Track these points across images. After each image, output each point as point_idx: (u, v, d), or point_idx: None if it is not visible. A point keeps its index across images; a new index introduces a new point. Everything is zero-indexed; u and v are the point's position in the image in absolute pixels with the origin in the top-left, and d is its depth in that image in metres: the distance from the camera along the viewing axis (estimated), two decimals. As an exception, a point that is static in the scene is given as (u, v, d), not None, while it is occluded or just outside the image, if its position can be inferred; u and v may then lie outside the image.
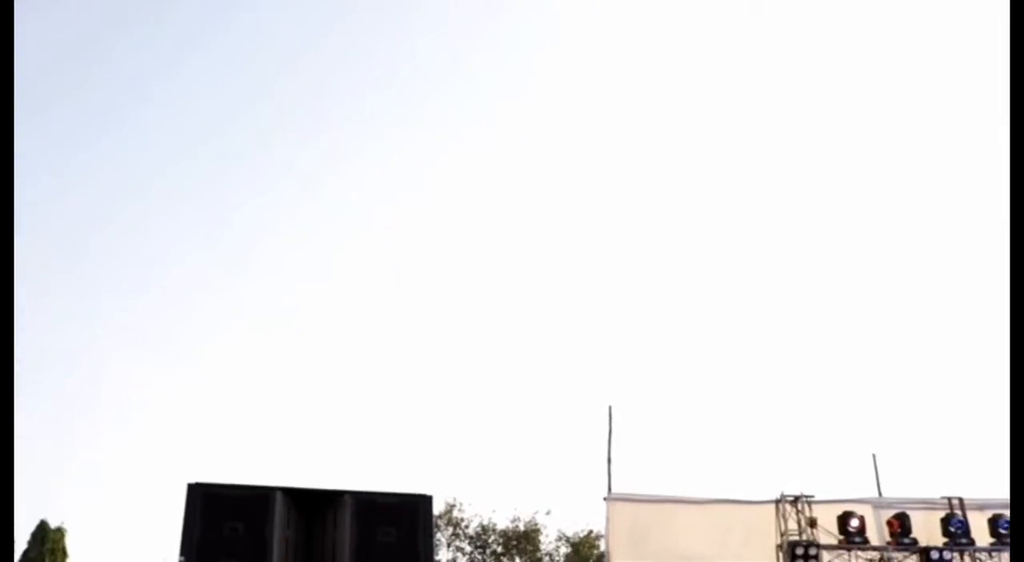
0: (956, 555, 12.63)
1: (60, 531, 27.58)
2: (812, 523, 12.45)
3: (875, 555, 12.62)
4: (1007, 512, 13.05)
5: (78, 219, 45.92)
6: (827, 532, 12.53)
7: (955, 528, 12.79)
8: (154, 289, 46.37)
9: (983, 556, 12.85)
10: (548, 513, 27.00)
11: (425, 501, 5.18)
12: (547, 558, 24.88)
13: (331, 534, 5.10)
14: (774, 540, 12.42)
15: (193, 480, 5.05)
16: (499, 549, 24.99)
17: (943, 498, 13.24)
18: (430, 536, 5.16)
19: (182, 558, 4.90)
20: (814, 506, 12.61)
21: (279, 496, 5.07)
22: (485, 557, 25.02)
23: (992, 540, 12.89)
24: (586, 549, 24.30)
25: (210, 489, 5.05)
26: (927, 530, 12.82)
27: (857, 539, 12.51)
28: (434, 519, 24.27)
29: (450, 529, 24.86)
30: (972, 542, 12.79)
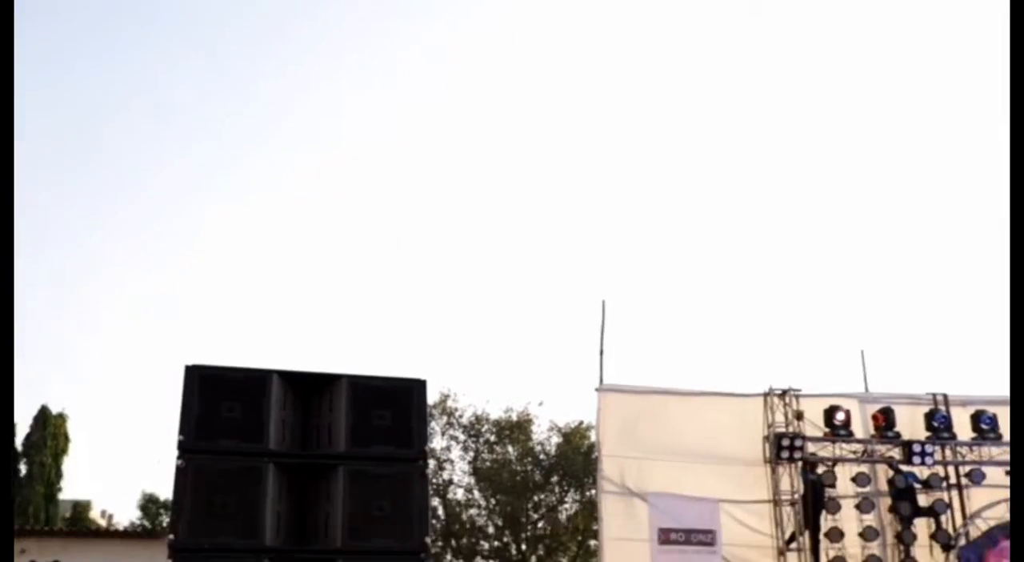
0: (937, 449, 12.92)
1: (62, 417, 28.06)
2: (799, 416, 12.70)
3: (859, 448, 12.91)
4: (989, 408, 13.33)
5: (87, 108, 45.40)
6: (813, 425, 12.79)
7: (938, 423, 13.05)
8: (154, 175, 46.08)
9: (964, 450, 13.14)
10: (541, 404, 27.49)
11: (419, 385, 5.27)
12: (539, 447, 25.40)
13: (327, 416, 5.20)
14: (761, 432, 12.68)
15: (190, 363, 5.14)
16: (492, 438, 25.50)
17: (928, 394, 13.48)
18: (424, 419, 5.25)
19: (181, 438, 5.01)
20: (801, 400, 12.84)
21: (276, 378, 5.15)
22: (478, 446, 25.56)
23: (973, 435, 13.17)
24: (577, 439, 24.81)
25: (207, 371, 5.13)
26: (911, 424, 13.09)
27: (842, 432, 12.78)
28: (429, 408, 24.75)
29: (444, 418, 25.34)
30: (954, 436, 13.07)
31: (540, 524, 25.49)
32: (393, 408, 5.16)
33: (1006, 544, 12.87)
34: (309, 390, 5.16)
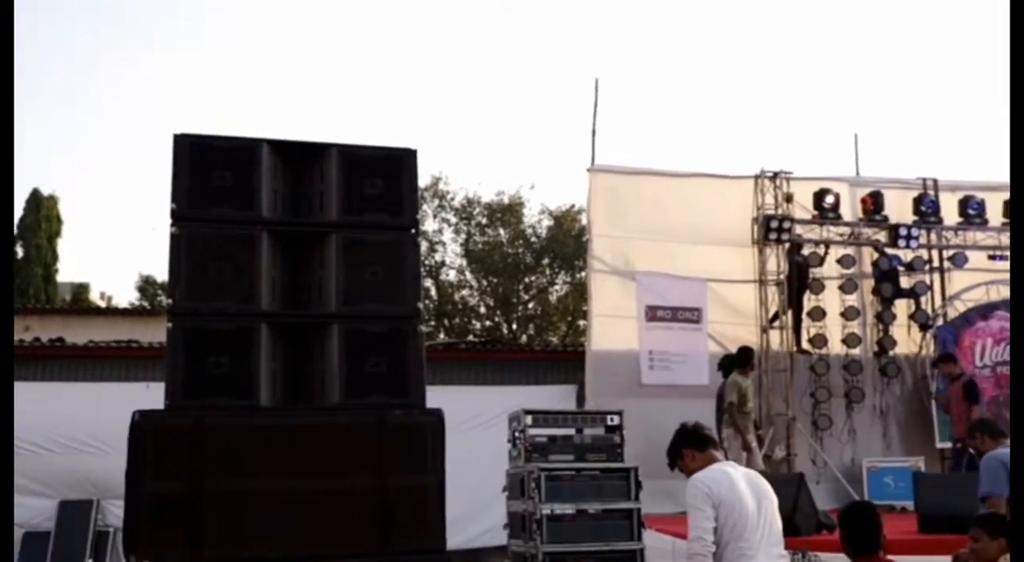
0: (923, 232, 13.08)
1: (53, 199, 28.07)
2: (788, 198, 12.76)
3: (846, 230, 13.05)
4: (978, 194, 13.40)
5: None
6: (802, 207, 12.88)
7: (926, 207, 13.15)
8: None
9: (949, 234, 13.31)
10: (532, 187, 27.51)
11: (410, 155, 5.23)
12: (530, 230, 25.64)
13: (318, 186, 5.20)
14: (750, 214, 12.78)
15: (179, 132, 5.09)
16: (483, 221, 25.68)
17: (918, 179, 13.52)
18: (415, 189, 5.24)
19: (173, 206, 5.01)
20: (792, 182, 12.87)
21: (266, 147, 5.11)
22: (470, 228, 25.77)
23: (960, 219, 13.30)
24: (568, 222, 25.00)
25: (196, 140, 5.08)
26: (899, 208, 13.19)
27: (830, 215, 12.88)
28: (420, 191, 24.76)
29: (436, 201, 25.42)
30: (940, 221, 13.20)
31: (531, 305, 26.07)
32: (384, 177, 5.14)
33: (982, 324, 13.26)
34: (299, 160, 5.13)
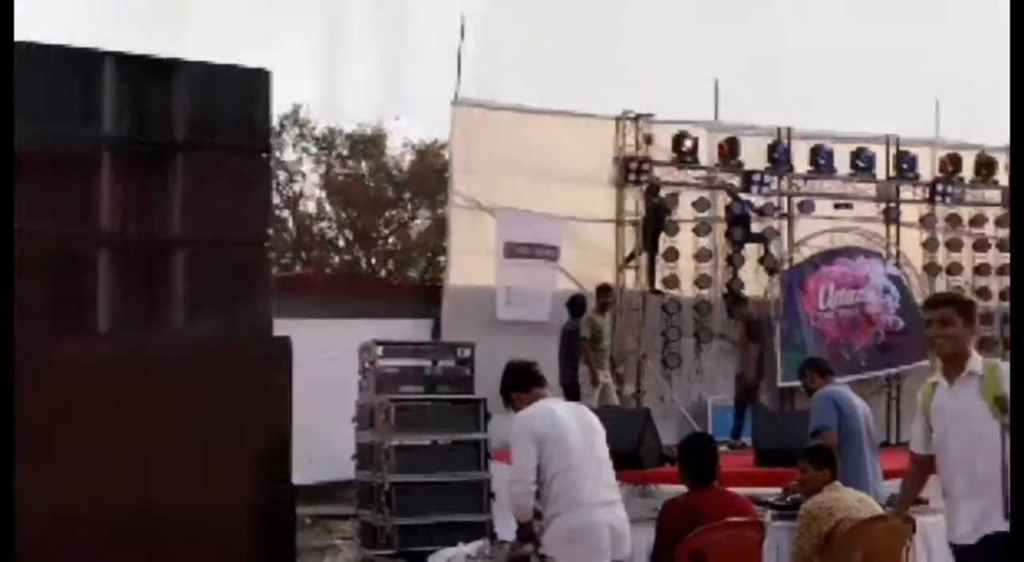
0: (775, 179, 13.50)
1: None
2: (648, 140, 12.97)
3: (702, 174, 13.36)
4: (828, 143, 13.88)
5: None
6: (661, 150, 13.10)
7: (779, 155, 13.56)
8: None
9: (799, 181, 13.79)
10: (397, 119, 27.08)
11: (264, 76, 5.05)
12: (392, 163, 25.34)
13: (165, 104, 4.98)
14: (611, 154, 12.94)
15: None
16: (345, 152, 25.25)
17: (772, 126, 13.90)
18: (268, 112, 5.06)
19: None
20: (652, 125, 13.06)
21: (109, 61, 4.85)
22: (331, 159, 25.31)
23: (811, 168, 13.78)
24: (431, 157, 24.79)
25: (34, 48, 4.80)
26: (754, 155, 13.56)
27: (688, 159, 13.15)
28: (280, 120, 24.02)
29: (296, 130, 24.84)
30: (792, 169, 13.65)
31: (391, 240, 25.89)
32: (237, 98, 4.96)
33: (825, 269, 13.81)
34: (146, 76, 4.90)
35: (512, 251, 12.50)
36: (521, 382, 5.34)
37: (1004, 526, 4.26)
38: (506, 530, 6.67)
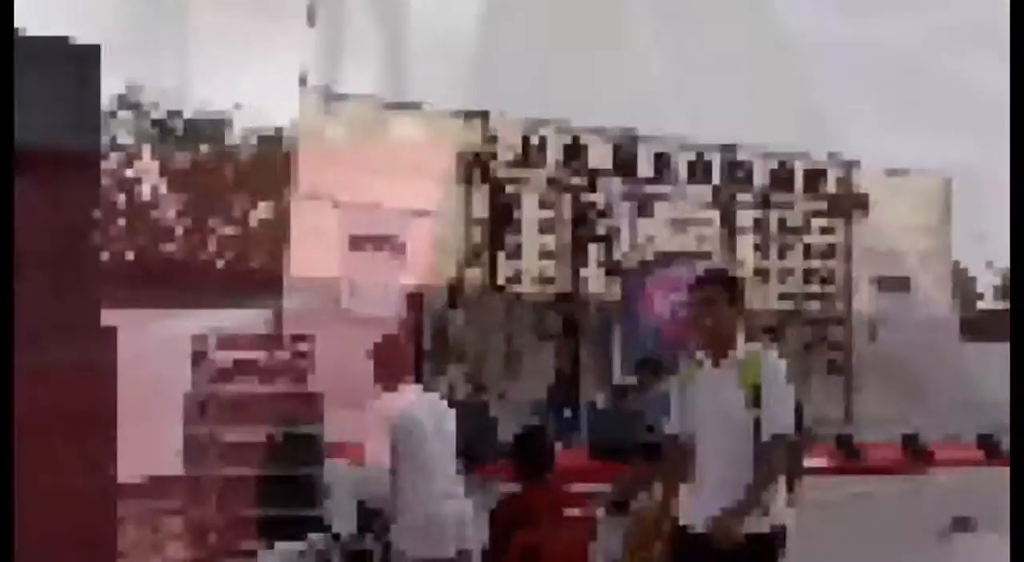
0: (619, 181, 13.80)
1: None
2: (495, 139, 13.03)
3: (549, 174, 13.53)
4: (671, 149, 14.26)
5: None
6: (508, 148, 13.17)
7: (624, 157, 13.86)
8: None
9: (642, 185, 14.13)
10: (238, 106, 26.39)
11: (92, 52, 4.81)
12: (234, 150, 24.74)
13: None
14: (458, 150, 12.95)
15: None
16: (184, 137, 24.49)
17: (618, 129, 14.15)
18: (98, 90, 4.83)
19: None
20: (500, 123, 13.13)
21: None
22: (170, 144, 24.49)
23: (653, 173, 14.13)
24: (275, 146, 24.29)
25: None
26: (601, 156, 13.82)
27: (536, 158, 13.29)
28: (115, 100, 23.07)
29: (133, 112, 23.94)
30: (635, 171, 13.96)
31: (231, 228, 25.27)
32: (64, 75, 4.71)
33: (664, 271, 14.19)
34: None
35: (357, 244, 12.35)
36: (386, 375, 5.36)
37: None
38: (343, 525, 6.61)
